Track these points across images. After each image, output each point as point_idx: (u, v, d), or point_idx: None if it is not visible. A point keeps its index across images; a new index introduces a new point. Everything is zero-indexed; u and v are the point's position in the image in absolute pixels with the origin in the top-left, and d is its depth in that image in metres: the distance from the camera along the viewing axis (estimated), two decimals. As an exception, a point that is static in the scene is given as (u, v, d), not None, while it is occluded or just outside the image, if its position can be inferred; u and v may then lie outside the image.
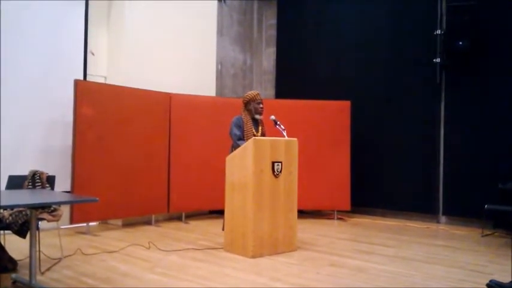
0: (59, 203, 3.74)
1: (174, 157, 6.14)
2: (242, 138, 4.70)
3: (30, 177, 4.03)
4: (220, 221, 5.07)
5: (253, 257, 4.24)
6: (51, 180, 4.11)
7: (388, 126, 6.93)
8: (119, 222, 5.88)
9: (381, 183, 6.93)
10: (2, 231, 3.79)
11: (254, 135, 4.67)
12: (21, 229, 3.59)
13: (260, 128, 4.89)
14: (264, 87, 8.39)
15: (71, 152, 5.23)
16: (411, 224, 6.34)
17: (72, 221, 5.15)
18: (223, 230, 4.77)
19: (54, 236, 4.49)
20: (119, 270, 3.81)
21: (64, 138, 5.43)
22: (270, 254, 4.35)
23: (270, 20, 8.45)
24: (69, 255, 4.22)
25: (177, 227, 5.89)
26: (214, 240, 5.05)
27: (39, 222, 3.63)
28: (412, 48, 6.72)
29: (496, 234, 5.70)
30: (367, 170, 6.95)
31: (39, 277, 3.44)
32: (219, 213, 6.14)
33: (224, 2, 7.72)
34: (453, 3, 6.17)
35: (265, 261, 4.16)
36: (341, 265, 4.11)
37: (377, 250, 4.74)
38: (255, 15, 8.44)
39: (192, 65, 6.96)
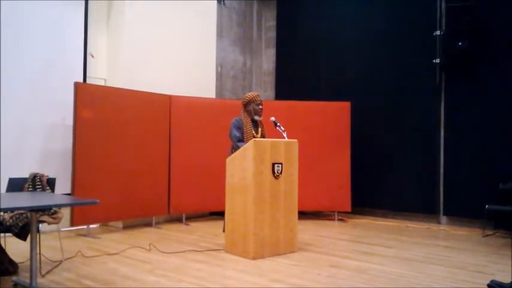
0: (60, 206, 3.75)
1: (174, 158, 6.14)
2: (242, 139, 4.70)
3: (30, 180, 4.03)
4: (221, 222, 5.07)
5: (254, 258, 4.23)
6: (51, 183, 4.10)
7: (388, 126, 6.93)
8: (120, 224, 5.87)
9: (382, 184, 6.93)
10: (2, 234, 3.79)
11: (254, 137, 4.68)
12: (22, 232, 3.59)
13: (260, 129, 4.89)
14: (263, 89, 8.40)
15: (71, 154, 5.22)
16: (412, 225, 6.33)
17: (72, 224, 5.15)
18: (223, 231, 4.78)
19: (54, 239, 4.50)
20: (119, 273, 3.81)
21: (64, 141, 5.43)
22: (271, 255, 4.35)
23: (270, 21, 8.46)
24: (70, 258, 4.22)
25: (178, 229, 5.88)
26: (215, 241, 5.05)
27: (40, 225, 3.63)
28: (412, 48, 6.72)
29: (496, 234, 5.69)
30: (368, 171, 6.95)
31: (39, 279, 3.45)
32: (220, 214, 6.13)
33: (224, 3, 7.73)
34: (453, 4, 6.17)
35: (266, 263, 4.16)
36: (342, 266, 4.10)
37: (377, 251, 4.74)
38: (255, 17, 8.46)
39: (192, 67, 6.96)
